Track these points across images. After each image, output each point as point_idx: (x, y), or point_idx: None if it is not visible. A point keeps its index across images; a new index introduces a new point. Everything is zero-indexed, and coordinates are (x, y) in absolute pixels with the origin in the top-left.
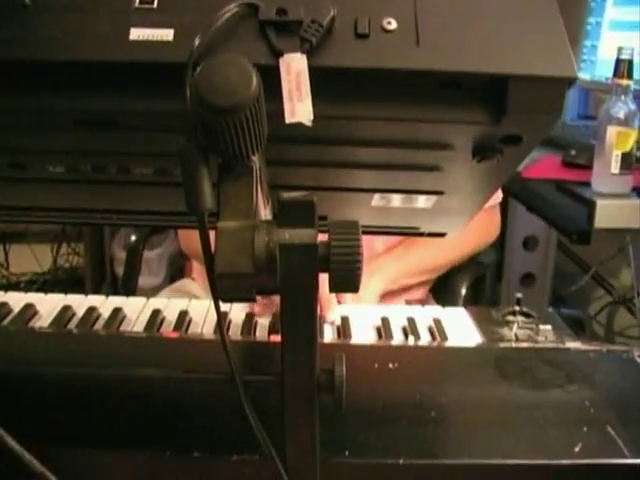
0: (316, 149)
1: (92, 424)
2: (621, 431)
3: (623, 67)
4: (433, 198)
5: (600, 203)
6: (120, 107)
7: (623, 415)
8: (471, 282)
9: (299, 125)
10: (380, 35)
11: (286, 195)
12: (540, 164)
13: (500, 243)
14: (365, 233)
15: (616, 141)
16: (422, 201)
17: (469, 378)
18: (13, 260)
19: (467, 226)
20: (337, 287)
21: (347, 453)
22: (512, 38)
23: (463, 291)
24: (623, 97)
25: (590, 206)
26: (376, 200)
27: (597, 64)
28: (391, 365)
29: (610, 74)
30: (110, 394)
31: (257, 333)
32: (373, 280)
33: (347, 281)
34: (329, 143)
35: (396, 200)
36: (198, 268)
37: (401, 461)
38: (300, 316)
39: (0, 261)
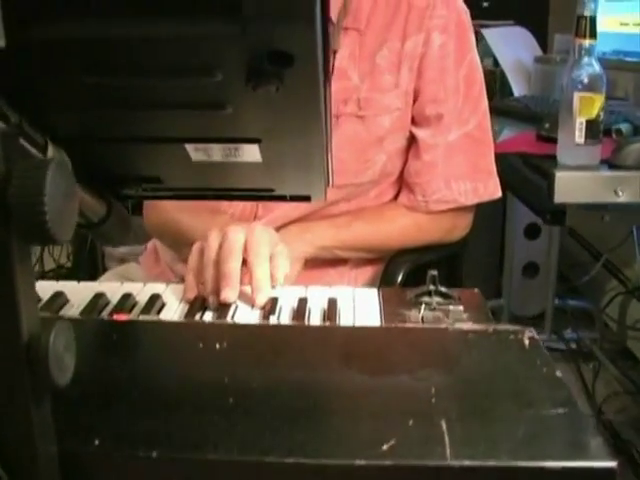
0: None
1: None
2: (456, 426)
3: (584, 24)
4: (254, 148)
5: (560, 175)
6: None
7: (471, 407)
8: (411, 268)
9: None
10: None
11: None
12: (514, 139)
13: (500, 231)
14: (214, 197)
15: (579, 107)
16: (245, 153)
17: (300, 360)
18: None
19: (430, 217)
20: (21, 234)
21: (97, 442)
22: None
23: (399, 277)
24: (587, 58)
25: (549, 179)
26: (194, 155)
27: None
28: (217, 345)
29: (607, 48)
30: None
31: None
32: (298, 242)
33: (29, 228)
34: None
35: (217, 152)
36: (151, 249)
37: (155, 454)
38: None
39: None
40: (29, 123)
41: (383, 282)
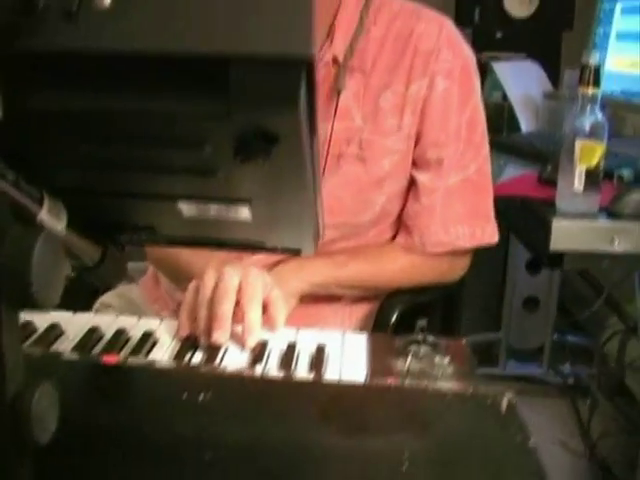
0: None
1: None
2: None
3: (588, 73)
4: (245, 208)
5: (557, 223)
6: None
7: (441, 476)
8: (405, 309)
9: None
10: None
11: None
12: (515, 181)
13: (502, 264)
14: (207, 247)
15: (580, 155)
16: (236, 212)
17: (278, 419)
18: None
19: (427, 259)
20: (8, 300)
21: None
22: (233, 14)
23: (393, 317)
24: (590, 107)
25: (546, 226)
26: (186, 210)
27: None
28: (201, 396)
29: (616, 87)
30: None
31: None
32: (294, 278)
33: (16, 295)
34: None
35: (209, 210)
36: (151, 273)
37: None
38: None
39: None
40: (26, 178)
41: (377, 321)
